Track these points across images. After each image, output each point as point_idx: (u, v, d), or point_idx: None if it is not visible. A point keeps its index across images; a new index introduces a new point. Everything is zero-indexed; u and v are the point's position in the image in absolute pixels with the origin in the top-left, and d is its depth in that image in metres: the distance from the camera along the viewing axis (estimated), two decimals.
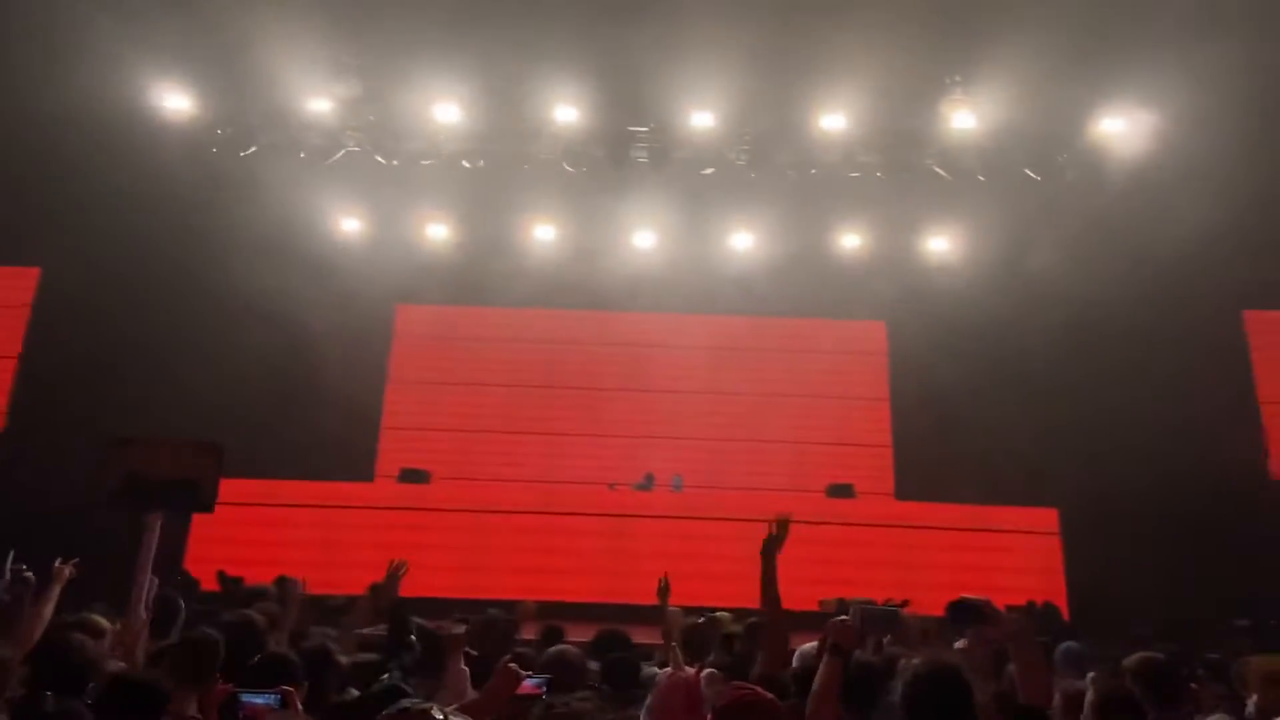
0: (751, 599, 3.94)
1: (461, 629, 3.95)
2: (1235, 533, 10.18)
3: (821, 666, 3.19)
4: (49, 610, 4.24)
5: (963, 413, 12.14)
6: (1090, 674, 4.74)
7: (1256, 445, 11.97)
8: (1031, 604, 9.58)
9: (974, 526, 11.51)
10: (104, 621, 4.08)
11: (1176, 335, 10.90)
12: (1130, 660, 4.04)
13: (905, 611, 4.20)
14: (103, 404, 10.64)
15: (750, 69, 10.53)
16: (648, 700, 3.62)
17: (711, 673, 3.34)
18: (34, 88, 9.62)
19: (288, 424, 11.52)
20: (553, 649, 3.94)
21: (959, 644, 3.64)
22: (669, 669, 3.87)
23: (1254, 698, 4.24)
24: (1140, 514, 10.99)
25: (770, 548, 3.75)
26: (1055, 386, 11.88)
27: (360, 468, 12.31)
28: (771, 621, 3.75)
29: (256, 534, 10.85)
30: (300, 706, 2.67)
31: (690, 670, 3.44)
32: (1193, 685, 4.93)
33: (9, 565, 4.48)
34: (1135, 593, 10.95)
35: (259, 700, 2.58)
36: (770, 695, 2.66)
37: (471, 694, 3.63)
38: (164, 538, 4.80)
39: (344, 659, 4.07)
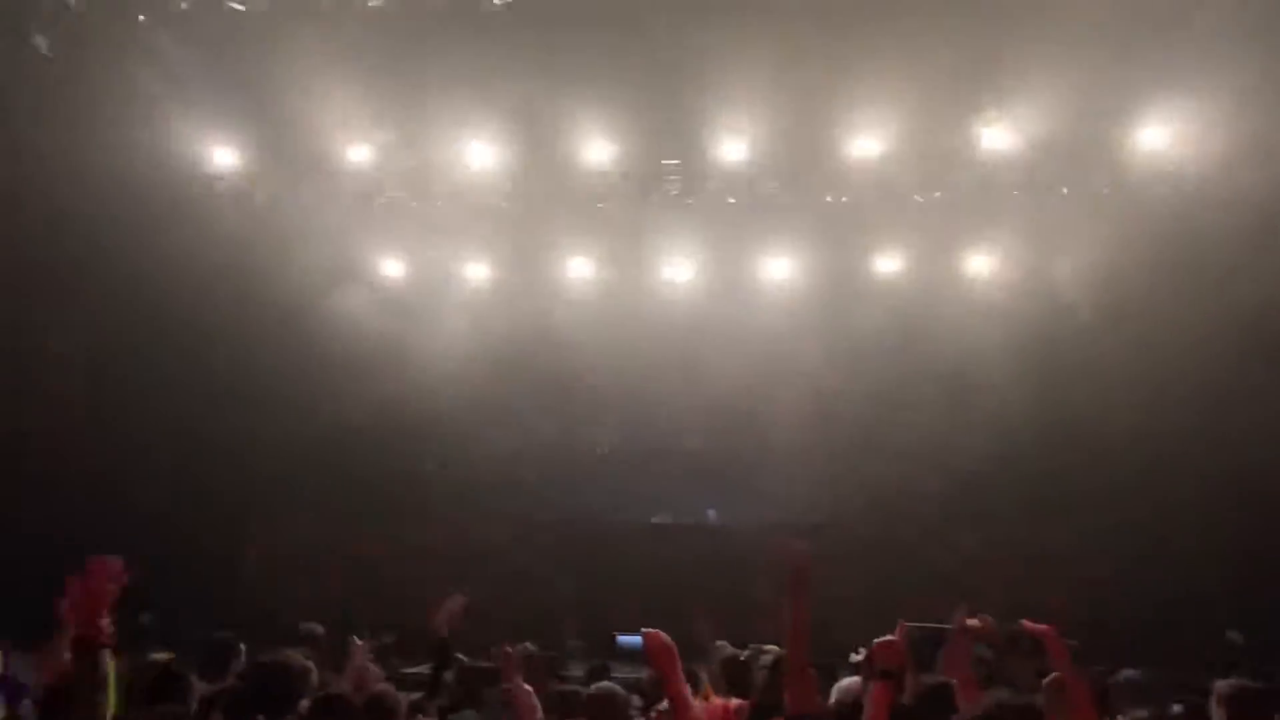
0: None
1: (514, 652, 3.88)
2: None
3: (870, 692, 3.07)
4: None
5: (1006, 427, 11.83)
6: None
7: None
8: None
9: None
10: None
11: (1220, 340, 10.53)
12: (1223, 685, 3.83)
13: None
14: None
15: (780, 97, 10.56)
16: None
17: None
18: (80, 145, 9.98)
19: (324, 469, 11.73)
20: (600, 685, 3.83)
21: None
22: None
23: None
24: (1190, 531, 10.56)
25: (795, 577, 3.44)
26: (1092, 400, 11.53)
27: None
28: (792, 656, 3.46)
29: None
30: None
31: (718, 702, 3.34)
32: None
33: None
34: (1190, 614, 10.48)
35: None
36: None
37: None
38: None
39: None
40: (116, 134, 9.69)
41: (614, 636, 2.95)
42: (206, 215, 10.93)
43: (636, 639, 2.97)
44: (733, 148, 11.47)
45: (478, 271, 13.22)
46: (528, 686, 3.78)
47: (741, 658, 6.13)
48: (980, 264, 12.77)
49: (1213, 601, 10.40)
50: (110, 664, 2.84)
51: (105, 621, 2.70)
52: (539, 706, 3.78)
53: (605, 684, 3.69)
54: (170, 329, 10.74)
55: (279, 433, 11.53)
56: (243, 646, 5.18)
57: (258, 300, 11.39)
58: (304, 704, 3.42)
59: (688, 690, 2.91)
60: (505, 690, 3.85)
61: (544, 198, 12.20)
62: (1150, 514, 10.75)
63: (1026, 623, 3.50)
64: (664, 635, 2.96)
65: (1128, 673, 5.03)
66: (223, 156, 11.32)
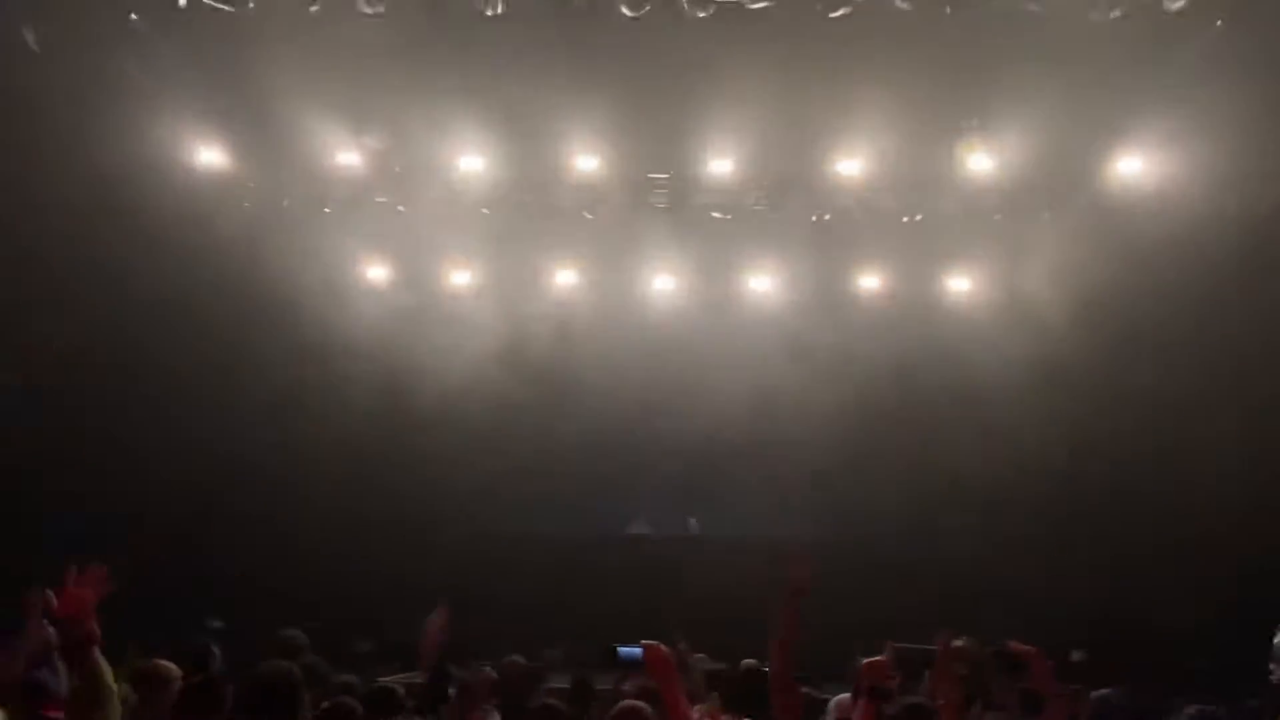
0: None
1: (491, 674, 3.94)
2: None
3: (858, 710, 3.15)
4: None
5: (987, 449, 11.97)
6: None
7: None
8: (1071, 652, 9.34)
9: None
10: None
11: (1203, 372, 10.77)
12: (1188, 713, 3.94)
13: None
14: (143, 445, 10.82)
15: (767, 116, 10.69)
16: None
17: None
18: (69, 143, 9.91)
19: (307, 476, 11.63)
20: (623, 705, 3.79)
21: None
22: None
23: None
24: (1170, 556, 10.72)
25: (794, 593, 3.29)
26: (1077, 419, 11.71)
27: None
28: (779, 672, 3.32)
29: None
30: None
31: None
32: None
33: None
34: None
35: None
36: None
37: None
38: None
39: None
40: (103, 130, 9.59)
41: (614, 648, 2.93)
42: (192, 213, 10.84)
43: (636, 650, 3.01)
44: (720, 163, 11.61)
45: (463, 278, 13.20)
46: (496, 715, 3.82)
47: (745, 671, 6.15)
48: (961, 285, 12.98)
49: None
50: (103, 662, 2.92)
51: (92, 622, 2.84)
52: None
53: (629, 703, 3.67)
54: (153, 326, 10.65)
55: (261, 438, 11.42)
56: (217, 649, 5.18)
57: (244, 299, 11.33)
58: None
59: (685, 702, 2.96)
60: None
61: (533, 206, 12.24)
62: (1125, 537, 10.93)
63: (1013, 644, 3.59)
64: (664, 648, 3.01)
65: (1103, 692, 5.16)
66: (210, 156, 11.24)
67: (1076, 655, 8.69)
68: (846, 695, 4.06)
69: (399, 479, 12.34)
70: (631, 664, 3.00)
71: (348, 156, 11.46)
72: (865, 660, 3.28)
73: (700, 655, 7.37)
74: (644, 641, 3.02)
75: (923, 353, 12.62)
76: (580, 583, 11.46)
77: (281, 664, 3.59)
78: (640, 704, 3.51)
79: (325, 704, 3.35)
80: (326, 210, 12.11)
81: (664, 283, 13.19)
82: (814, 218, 12.43)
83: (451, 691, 4.56)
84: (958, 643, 4.29)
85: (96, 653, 2.87)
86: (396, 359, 11.90)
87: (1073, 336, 11.40)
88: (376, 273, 12.96)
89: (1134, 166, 10.93)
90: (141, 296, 10.39)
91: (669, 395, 12.87)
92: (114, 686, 2.93)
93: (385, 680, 5.29)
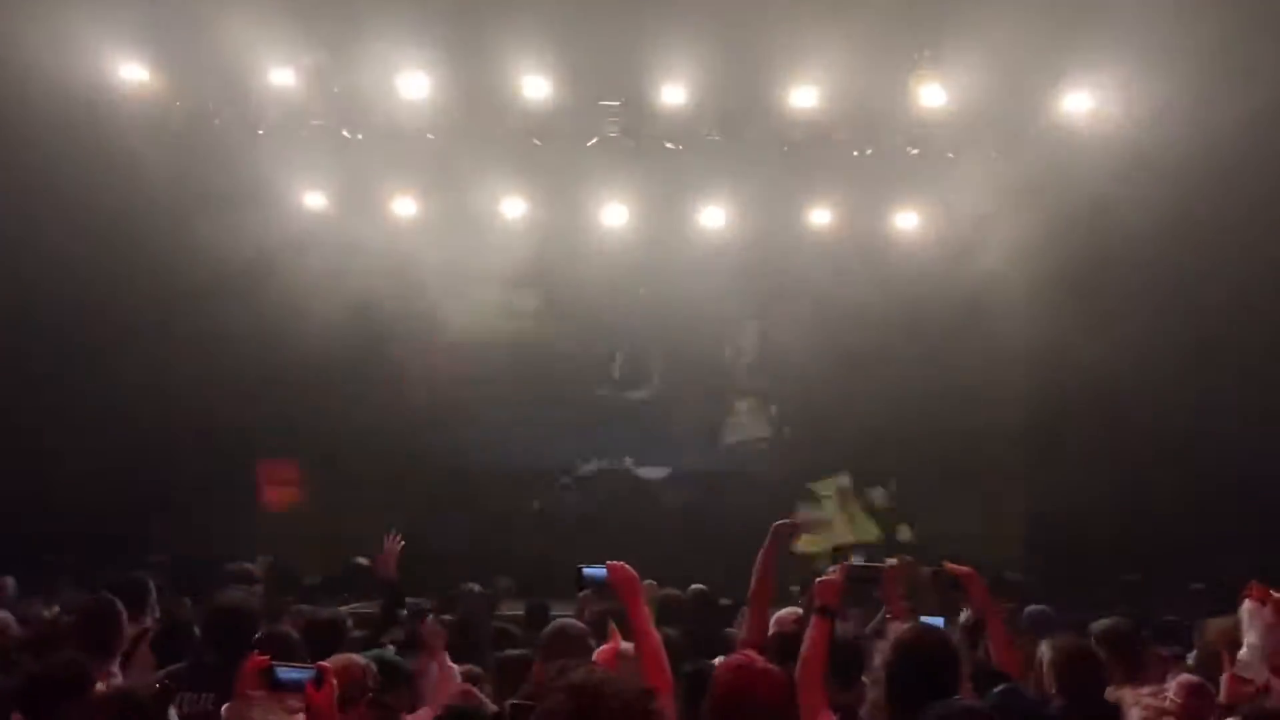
0: None
1: (439, 626, 3.94)
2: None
3: (809, 628, 3.22)
4: None
5: (922, 387, 12.29)
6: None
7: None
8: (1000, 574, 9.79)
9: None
10: None
11: (1132, 302, 11.14)
12: (1096, 626, 4.15)
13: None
14: (69, 389, 10.43)
15: (721, 45, 10.46)
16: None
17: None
18: None
19: (257, 401, 11.36)
20: (554, 624, 3.88)
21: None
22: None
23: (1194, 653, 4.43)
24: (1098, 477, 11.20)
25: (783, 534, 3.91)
26: (1019, 358, 12.04)
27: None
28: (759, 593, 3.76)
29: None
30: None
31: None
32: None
33: None
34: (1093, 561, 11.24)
35: (295, 674, 2.61)
36: (768, 663, 2.70)
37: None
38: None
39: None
40: (9, 48, 8.94)
41: (580, 569, 2.96)
42: (113, 138, 10.23)
43: (600, 570, 3.10)
44: (673, 92, 11.35)
45: (407, 206, 12.79)
46: (452, 665, 3.83)
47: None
48: (909, 220, 13.06)
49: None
50: None
51: None
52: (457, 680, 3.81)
53: (562, 621, 3.74)
54: (70, 268, 10.14)
55: (197, 378, 11.06)
56: (153, 584, 5.09)
57: (167, 234, 10.82)
58: None
59: (649, 616, 3.04)
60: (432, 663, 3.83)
61: (479, 132, 11.86)
62: (1050, 471, 11.37)
63: (949, 564, 3.74)
64: (628, 567, 3.08)
65: (1034, 608, 5.40)
66: (131, 73, 10.57)
67: (1010, 575, 9.11)
68: (788, 610, 4.21)
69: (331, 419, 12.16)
70: (596, 583, 3.10)
71: (282, 76, 10.90)
72: (819, 579, 3.35)
73: (649, 581, 7.52)
74: (608, 561, 3.10)
75: (866, 285, 12.75)
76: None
77: (237, 594, 3.53)
78: (574, 622, 3.63)
79: (259, 634, 3.28)
80: (260, 133, 11.57)
81: (614, 212, 12.94)
82: (763, 150, 12.29)
83: (403, 613, 4.56)
84: (892, 561, 4.49)
85: None
86: (336, 285, 11.60)
87: (1012, 275, 11.62)
88: (315, 199, 12.48)
89: (1085, 105, 11.00)
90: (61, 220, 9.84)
91: (613, 329, 12.82)
92: None
93: (339, 610, 5.26)
